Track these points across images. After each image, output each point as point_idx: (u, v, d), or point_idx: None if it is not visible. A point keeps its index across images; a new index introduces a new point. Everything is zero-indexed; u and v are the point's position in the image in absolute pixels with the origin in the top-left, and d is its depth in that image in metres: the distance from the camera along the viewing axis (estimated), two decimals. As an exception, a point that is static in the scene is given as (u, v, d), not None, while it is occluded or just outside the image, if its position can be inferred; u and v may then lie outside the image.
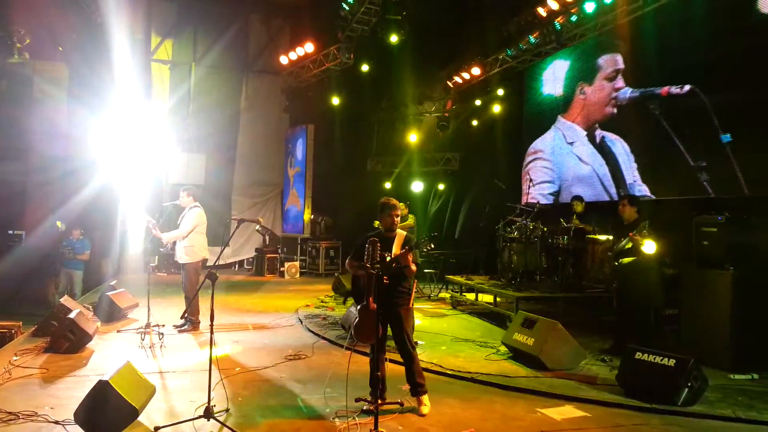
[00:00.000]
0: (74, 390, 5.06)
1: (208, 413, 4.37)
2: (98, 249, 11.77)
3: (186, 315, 7.73)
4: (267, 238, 15.44)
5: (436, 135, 15.04)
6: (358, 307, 4.84)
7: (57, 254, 10.33)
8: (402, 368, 4.98)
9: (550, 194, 11.89)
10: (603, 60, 10.52)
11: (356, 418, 4.56)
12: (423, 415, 4.73)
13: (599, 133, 10.59)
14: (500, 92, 13.16)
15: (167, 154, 14.88)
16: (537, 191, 11.93)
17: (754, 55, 7.39)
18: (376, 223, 6.27)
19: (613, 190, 10.15)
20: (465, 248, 13.38)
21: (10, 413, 4.46)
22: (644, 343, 5.61)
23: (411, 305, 4.99)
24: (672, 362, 5.05)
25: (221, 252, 5.46)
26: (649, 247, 6.23)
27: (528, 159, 12.74)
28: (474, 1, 13.64)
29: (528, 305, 8.30)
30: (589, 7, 9.91)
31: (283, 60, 15.53)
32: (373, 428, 4.20)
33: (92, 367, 5.95)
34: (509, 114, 13.30)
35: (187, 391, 5.22)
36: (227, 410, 4.71)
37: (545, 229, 9.05)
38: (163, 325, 7.29)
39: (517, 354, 6.51)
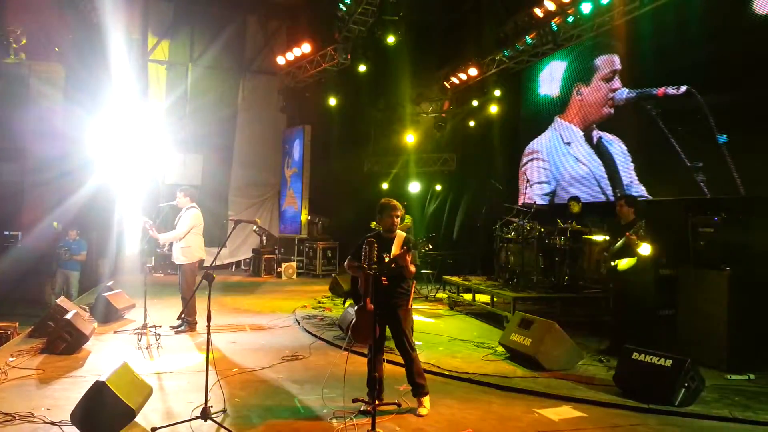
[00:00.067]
0: (71, 391, 5.06)
1: (205, 414, 4.36)
2: (95, 250, 11.73)
3: (183, 316, 7.72)
4: (264, 238, 15.42)
5: (433, 135, 15.05)
6: (356, 307, 4.84)
7: (53, 255, 10.31)
8: (401, 369, 4.99)
9: (547, 194, 11.91)
10: (600, 61, 10.55)
11: (353, 419, 4.56)
12: (421, 416, 4.73)
13: (596, 133, 10.62)
14: (497, 93, 13.17)
15: (164, 155, 14.86)
16: (534, 192, 11.95)
17: (750, 56, 7.42)
18: (373, 223, 6.27)
19: (609, 191, 10.17)
20: (462, 249, 13.39)
21: (6, 414, 4.45)
22: (641, 343, 5.61)
23: (410, 306, 4.99)
24: (669, 363, 5.07)
25: (218, 253, 5.44)
26: (645, 249, 6.25)
27: (525, 159, 12.75)
28: (471, 1, 13.66)
29: (525, 306, 8.32)
30: (586, 8, 9.94)
31: (280, 60, 15.50)
32: (370, 429, 4.21)
33: (89, 368, 5.94)
34: (506, 115, 13.31)
35: (184, 392, 5.21)
36: (224, 411, 4.71)
37: (542, 229, 9.05)
38: (160, 326, 7.30)
39: (514, 354, 6.53)
